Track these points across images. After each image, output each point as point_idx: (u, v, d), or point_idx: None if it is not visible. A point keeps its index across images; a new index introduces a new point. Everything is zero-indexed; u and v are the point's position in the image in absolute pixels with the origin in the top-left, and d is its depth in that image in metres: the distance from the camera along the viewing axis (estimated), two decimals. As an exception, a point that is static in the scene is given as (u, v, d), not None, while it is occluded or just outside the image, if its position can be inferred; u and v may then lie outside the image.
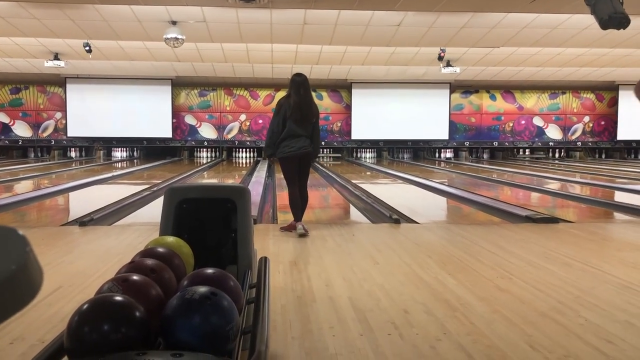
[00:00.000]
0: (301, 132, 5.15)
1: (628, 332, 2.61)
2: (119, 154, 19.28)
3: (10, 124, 18.65)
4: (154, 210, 7.40)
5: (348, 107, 19.45)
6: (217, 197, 2.70)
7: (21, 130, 18.75)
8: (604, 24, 6.21)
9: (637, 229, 5.58)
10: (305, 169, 5.35)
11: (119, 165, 16.29)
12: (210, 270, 1.84)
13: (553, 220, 5.89)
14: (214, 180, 12.14)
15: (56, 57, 14.11)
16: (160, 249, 2.11)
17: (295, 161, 5.20)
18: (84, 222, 5.56)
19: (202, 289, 1.56)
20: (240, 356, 1.65)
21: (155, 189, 9.00)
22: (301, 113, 5.11)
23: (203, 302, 1.50)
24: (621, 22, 6.13)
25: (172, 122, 18.85)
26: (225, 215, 2.65)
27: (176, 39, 10.66)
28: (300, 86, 5.13)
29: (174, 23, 10.57)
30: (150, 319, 1.54)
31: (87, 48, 12.52)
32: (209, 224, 2.66)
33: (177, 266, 2.06)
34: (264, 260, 2.53)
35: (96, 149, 19.08)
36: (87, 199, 8.45)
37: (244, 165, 16.57)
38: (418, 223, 5.88)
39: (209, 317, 1.49)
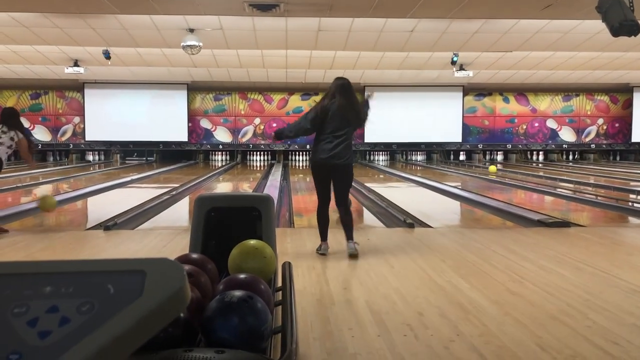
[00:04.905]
0: (338, 133, 4.59)
1: (634, 335, 2.74)
2: (135, 157, 19.60)
3: (30, 128, 19.02)
4: (174, 214, 7.62)
5: (361, 111, 19.53)
6: (244, 206, 2.87)
7: (41, 134, 19.14)
8: (615, 32, 6.29)
9: (648, 233, 5.66)
10: (339, 184, 4.67)
11: (136, 169, 16.56)
12: (243, 275, 2.02)
13: (565, 224, 6.00)
14: (229, 184, 12.35)
15: (76, 64, 14.43)
16: (194, 255, 2.28)
17: (324, 172, 4.64)
18: (108, 226, 5.75)
19: (239, 293, 1.73)
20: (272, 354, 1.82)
21: (174, 192, 9.20)
22: (344, 116, 4.62)
23: (241, 305, 1.68)
24: (632, 29, 6.21)
25: (188, 126, 19.13)
26: (251, 222, 2.82)
27: (193, 46, 10.88)
28: (344, 89, 4.65)
29: (191, 31, 10.80)
30: (192, 319, 1.71)
31: (107, 55, 12.82)
32: (236, 231, 2.83)
33: (210, 270, 2.23)
34: (288, 265, 2.69)
35: (113, 153, 19.42)
36: (108, 203, 8.67)
37: (259, 169, 16.76)
38: (432, 227, 6.01)
39: (246, 318, 1.66)
